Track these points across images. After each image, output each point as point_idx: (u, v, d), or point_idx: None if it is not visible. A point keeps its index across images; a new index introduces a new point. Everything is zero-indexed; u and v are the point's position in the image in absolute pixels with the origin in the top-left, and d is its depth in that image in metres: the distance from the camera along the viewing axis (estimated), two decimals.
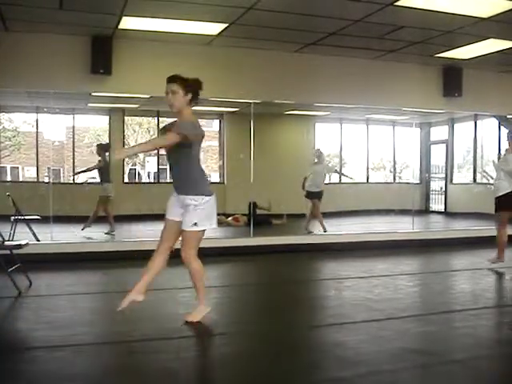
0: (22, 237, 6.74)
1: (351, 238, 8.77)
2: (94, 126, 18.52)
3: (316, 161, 10.01)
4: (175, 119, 4.36)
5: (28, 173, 17.22)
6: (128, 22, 6.80)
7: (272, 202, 10.97)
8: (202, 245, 8.14)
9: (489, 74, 9.14)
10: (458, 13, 6.23)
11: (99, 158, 9.61)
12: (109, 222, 9.35)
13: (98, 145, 10.11)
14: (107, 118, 13.00)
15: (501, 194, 6.82)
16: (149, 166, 18.52)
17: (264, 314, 4.88)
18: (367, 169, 14.37)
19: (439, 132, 14.23)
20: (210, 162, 18.00)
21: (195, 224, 4.12)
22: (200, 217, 4.12)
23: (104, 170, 9.65)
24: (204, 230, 4.21)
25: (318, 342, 4.11)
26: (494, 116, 11.50)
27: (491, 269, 6.72)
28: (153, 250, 7.28)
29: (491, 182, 12.98)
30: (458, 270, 7.15)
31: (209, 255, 7.52)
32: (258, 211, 10.27)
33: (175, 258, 4.32)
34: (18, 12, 6.35)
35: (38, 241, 7.44)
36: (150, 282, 4.28)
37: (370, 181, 14.32)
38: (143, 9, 6.35)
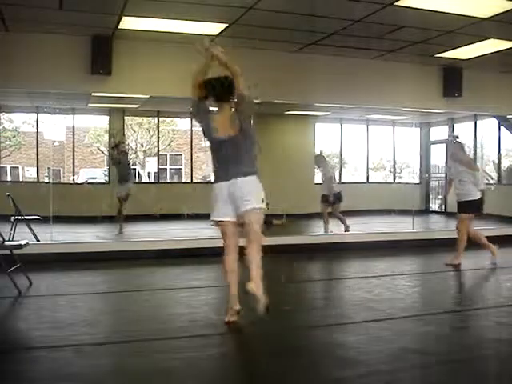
0: (22, 237, 6.74)
1: (351, 238, 8.77)
2: (94, 126, 18.53)
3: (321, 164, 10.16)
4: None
5: (28, 173, 17.22)
6: (128, 22, 6.79)
7: (271, 201, 10.94)
8: (202, 245, 8.16)
9: (489, 74, 9.13)
10: (458, 13, 6.23)
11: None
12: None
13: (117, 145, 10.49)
14: (107, 117, 13.01)
15: (472, 198, 6.90)
16: (149, 166, 18.53)
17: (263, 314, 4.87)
18: (367, 169, 14.38)
19: (439, 132, 14.23)
20: (210, 162, 18.00)
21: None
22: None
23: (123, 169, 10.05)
24: None
25: (317, 342, 4.11)
26: (494, 116, 11.51)
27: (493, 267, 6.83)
28: (153, 250, 7.27)
29: (491, 182, 13.12)
30: (458, 270, 7.14)
31: (209, 255, 7.55)
32: None
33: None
34: (18, 12, 6.35)
35: (38, 241, 7.44)
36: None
37: (370, 181, 14.33)
38: (143, 9, 6.35)
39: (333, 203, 9.56)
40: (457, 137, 7.34)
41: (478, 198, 6.91)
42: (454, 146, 7.17)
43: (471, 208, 6.92)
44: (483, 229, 9.63)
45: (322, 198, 9.73)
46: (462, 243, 6.97)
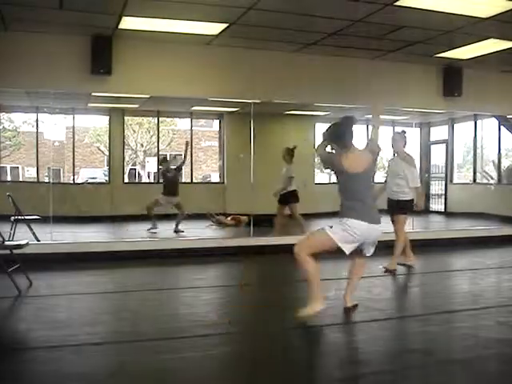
0: (22, 237, 6.74)
1: None
2: (94, 126, 18.55)
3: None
4: None
5: (28, 173, 17.24)
6: (128, 22, 6.79)
7: (272, 201, 10.90)
8: (203, 245, 8.15)
9: (489, 74, 9.13)
10: (458, 13, 6.22)
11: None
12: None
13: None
14: (107, 117, 13.01)
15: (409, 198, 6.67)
16: (149, 166, 18.54)
17: (263, 313, 4.87)
18: None
19: (439, 132, 14.23)
20: (210, 162, 18.03)
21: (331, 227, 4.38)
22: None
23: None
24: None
25: (318, 342, 4.11)
26: (494, 116, 11.51)
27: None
28: (153, 250, 7.27)
29: (491, 182, 13.12)
30: (458, 270, 7.15)
31: (209, 255, 7.56)
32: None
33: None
34: (18, 12, 6.35)
35: (38, 241, 7.44)
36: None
37: None
38: (143, 9, 6.34)
39: (290, 202, 9.03)
40: (404, 132, 7.13)
41: (412, 198, 6.65)
42: (395, 137, 7.00)
43: (408, 208, 6.70)
44: (483, 229, 9.68)
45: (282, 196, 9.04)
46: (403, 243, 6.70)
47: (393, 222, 6.70)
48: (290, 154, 9.06)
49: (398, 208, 6.62)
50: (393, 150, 6.97)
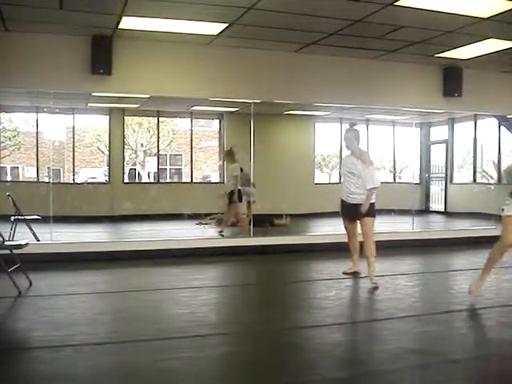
0: (22, 237, 6.74)
1: None
2: (94, 126, 18.53)
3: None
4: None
5: (28, 173, 17.23)
6: (128, 22, 6.79)
7: (272, 201, 10.91)
8: (203, 245, 8.15)
9: (489, 74, 9.13)
10: (458, 13, 6.22)
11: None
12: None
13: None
14: (107, 117, 13.02)
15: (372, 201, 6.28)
16: (149, 166, 18.53)
17: (263, 313, 4.88)
18: None
19: (439, 132, 14.23)
20: (209, 162, 18.02)
21: None
22: None
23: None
24: None
25: (317, 342, 4.10)
26: (494, 116, 11.51)
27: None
28: (153, 250, 7.28)
29: (491, 181, 13.12)
30: (458, 270, 7.15)
31: (209, 255, 7.57)
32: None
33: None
34: (18, 12, 6.35)
35: (38, 241, 7.44)
36: None
37: None
38: (143, 9, 6.34)
39: (233, 201, 9.24)
40: (354, 124, 6.58)
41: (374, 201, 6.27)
42: (347, 135, 6.41)
43: (373, 210, 6.32)
44: (483, 229, 9.66)
45: (228, 195, 9.28)
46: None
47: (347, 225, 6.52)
48: (228, 155, 9.47)
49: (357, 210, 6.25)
50: (347, 148, 6.47)
